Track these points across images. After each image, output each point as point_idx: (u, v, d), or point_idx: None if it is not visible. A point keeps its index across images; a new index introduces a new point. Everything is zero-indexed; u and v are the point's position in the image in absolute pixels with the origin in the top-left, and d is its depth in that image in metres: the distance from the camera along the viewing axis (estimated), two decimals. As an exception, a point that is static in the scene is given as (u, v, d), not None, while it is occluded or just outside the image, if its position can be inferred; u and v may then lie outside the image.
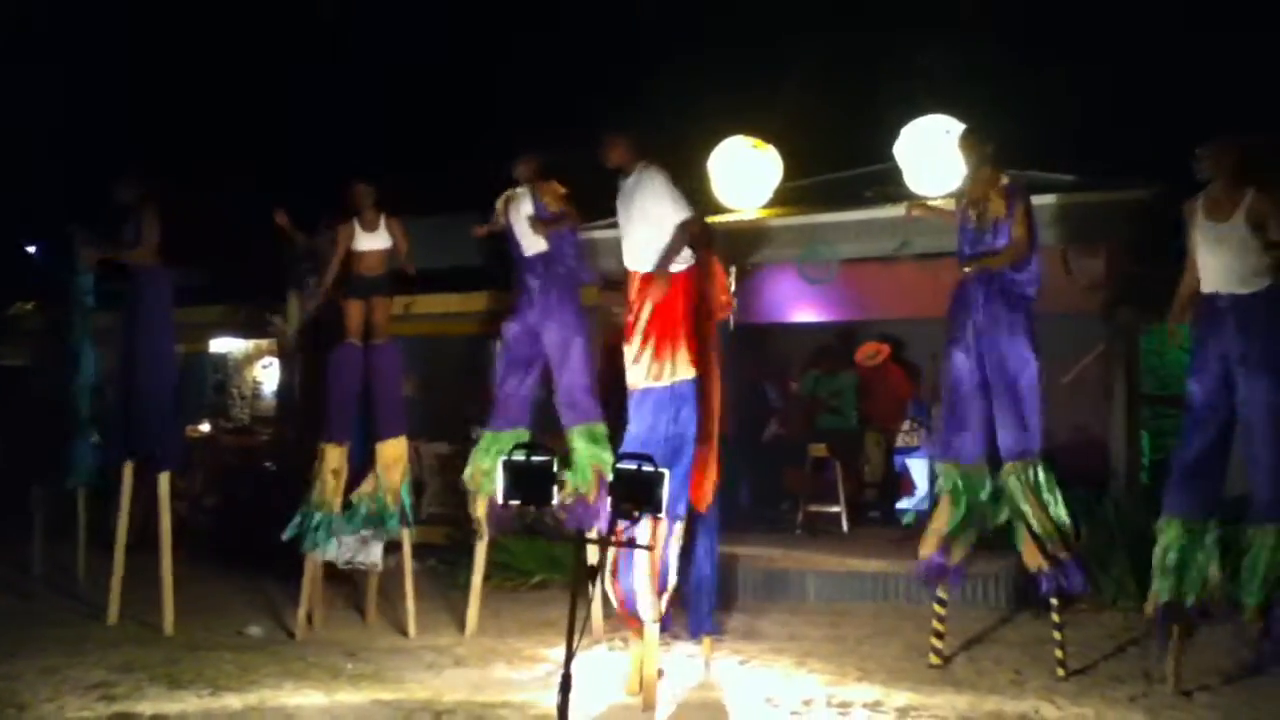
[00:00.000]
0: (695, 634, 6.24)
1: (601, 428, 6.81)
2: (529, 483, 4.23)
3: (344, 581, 7.85)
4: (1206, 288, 5.57)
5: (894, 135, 8.34)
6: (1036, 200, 8.20)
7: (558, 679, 3.82)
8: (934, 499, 6.58)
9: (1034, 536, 5.92)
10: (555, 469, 4.24)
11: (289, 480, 7.96)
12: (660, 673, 5.75)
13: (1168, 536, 5.58)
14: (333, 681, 5.92)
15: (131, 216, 7.32)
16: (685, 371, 5.82)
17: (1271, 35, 10.13)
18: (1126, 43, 11.21)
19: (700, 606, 6.15)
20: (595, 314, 9.16)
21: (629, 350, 5.95)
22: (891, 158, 8.40)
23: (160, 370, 7.28)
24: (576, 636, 3.92)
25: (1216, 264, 5.51)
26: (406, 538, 7.29)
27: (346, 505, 7.17)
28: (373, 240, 7.39)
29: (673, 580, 5.74)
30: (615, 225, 6.27)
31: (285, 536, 7.06)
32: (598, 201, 6.80)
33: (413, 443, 7.76)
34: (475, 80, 13.63)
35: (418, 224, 7.80)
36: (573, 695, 3.79)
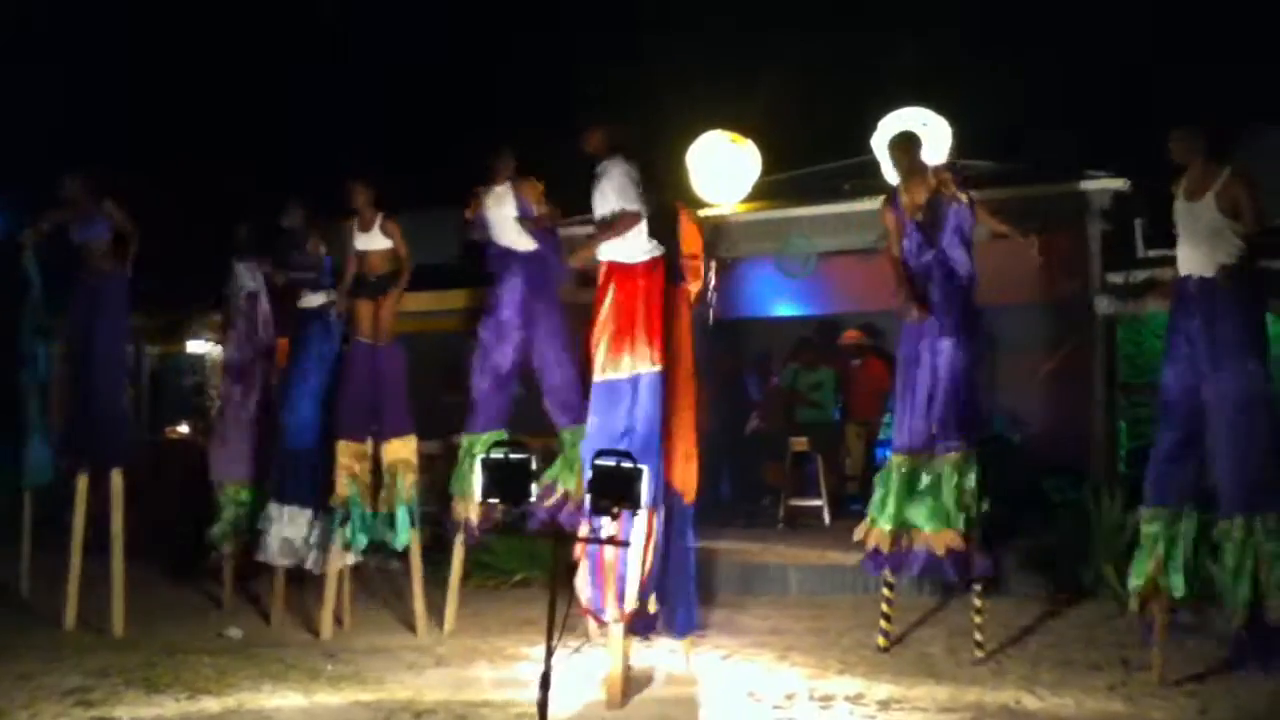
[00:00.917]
0: (680, 633, 6.19)
1: None
2: (507, 480, 4.22)
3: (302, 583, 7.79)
4: (1180, 270, 5.55)
5: (871, 128, 8.35)
6: (1017, 191, 8.29)
7: (538, 677, 3.80)
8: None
9: (949, 524, 6.04)
10: (533, 466, 4.23)
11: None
12: (628, 668, 5.70)
13: (1147, 525, 5.58)
14: (312, 683, 5.88)
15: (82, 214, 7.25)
16: (646, 364, 5.75)
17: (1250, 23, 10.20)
18: (1105, 31, 11.27)
19: (682, 604, 6.13)
20: (569, 310, 9.16)
21: (593, 342, 5.93)
22: (869, 150, 8.42)
23: (113, 372, 7.31)
24: (556, 634, 3.92)
25: (1187, 244, 5.49)
26: (415, 538, 7.24)
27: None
28: (370, 240, 7.36)
29: (637, 575, 5.63)
30: (586, 223, 6.25)
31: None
32: (572, 196, 6.78)
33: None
34: (452, 77, 13.58)
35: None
36: (562, 694, 3.78)
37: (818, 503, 9.70)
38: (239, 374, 7.94)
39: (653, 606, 5.80)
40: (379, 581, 8.41)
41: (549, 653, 3.91)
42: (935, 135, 8.02)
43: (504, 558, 8.34)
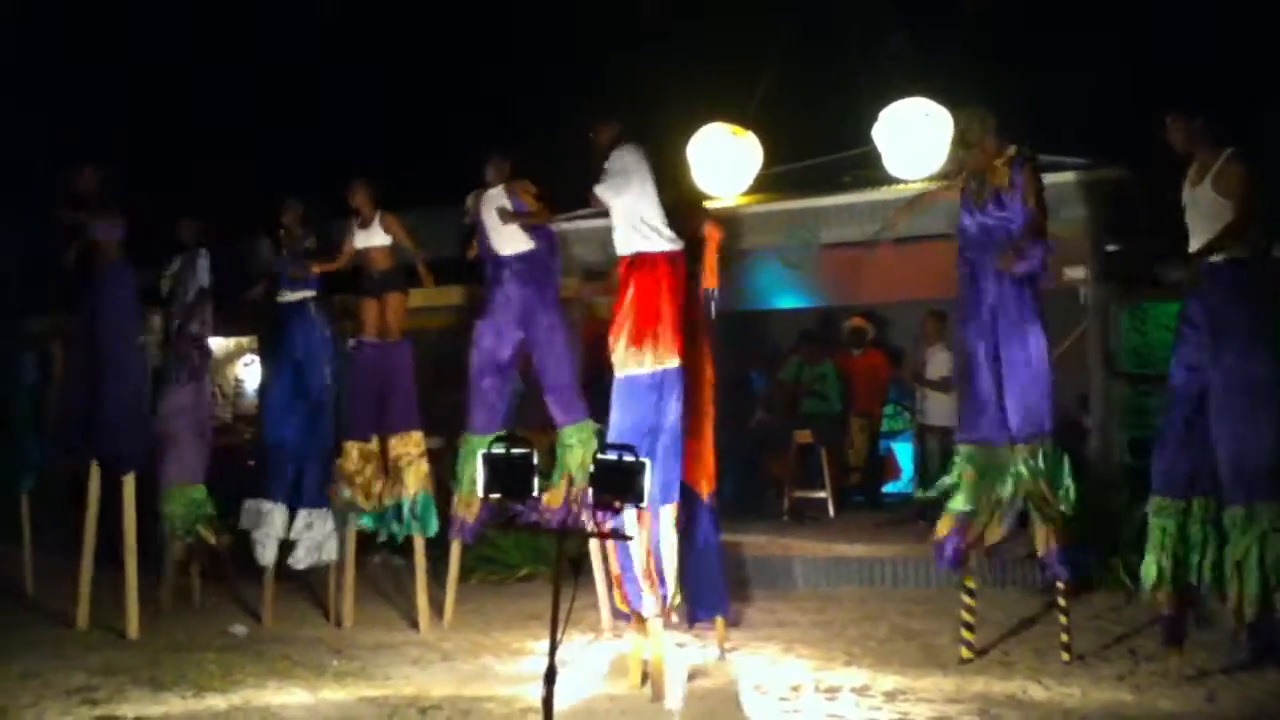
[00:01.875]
0: (703, 619, 6.23)
1: (593, 425, 6.80)
2: (509, 476, 4.21)
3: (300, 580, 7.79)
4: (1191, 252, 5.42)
5: (872, 118, 8.31)
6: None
7: (544, 672, 3.80)
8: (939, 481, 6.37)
9: (1045, 519, 5.79)
10: (535, 461, 4.22)
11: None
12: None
13: (1156, 516, 5.48)
14: (317, 680, 5.87)
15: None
16: (669, 359, 5.75)
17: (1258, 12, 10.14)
18: (1109, 19, 11.22)
19: (709, 591, 6.15)
20: (574, 306, 9.15)
21: (612, 337, 5.91)
22: (870, 142, 8.37)
23: (127, 371, 7.20)
24: (560, 628, 3.91)
25: (1193, 229, 5.39)
26: (419, 534, 7.26)
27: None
28: (370, 237, 7.40)
29: (670, 570, 5.68)
30: (590, 216, 6.25)
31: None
32: (573, 191, 6.77)
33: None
34: (445, 73, 13.54)
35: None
36: (573, 689, 3.76)
37: (822, 495, 9.69)
38: (193, 372, 7.74)
39: (677, 599, 5.85)
40: (383, 577, 8.42)
41: (553, 648, 3.90)
42: (937, 125, 7.97)
43: (508, 552, 8.35)
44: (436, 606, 7.28)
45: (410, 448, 7.26)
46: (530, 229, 7.08)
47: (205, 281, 7.72)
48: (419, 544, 7.26)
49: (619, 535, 5.27)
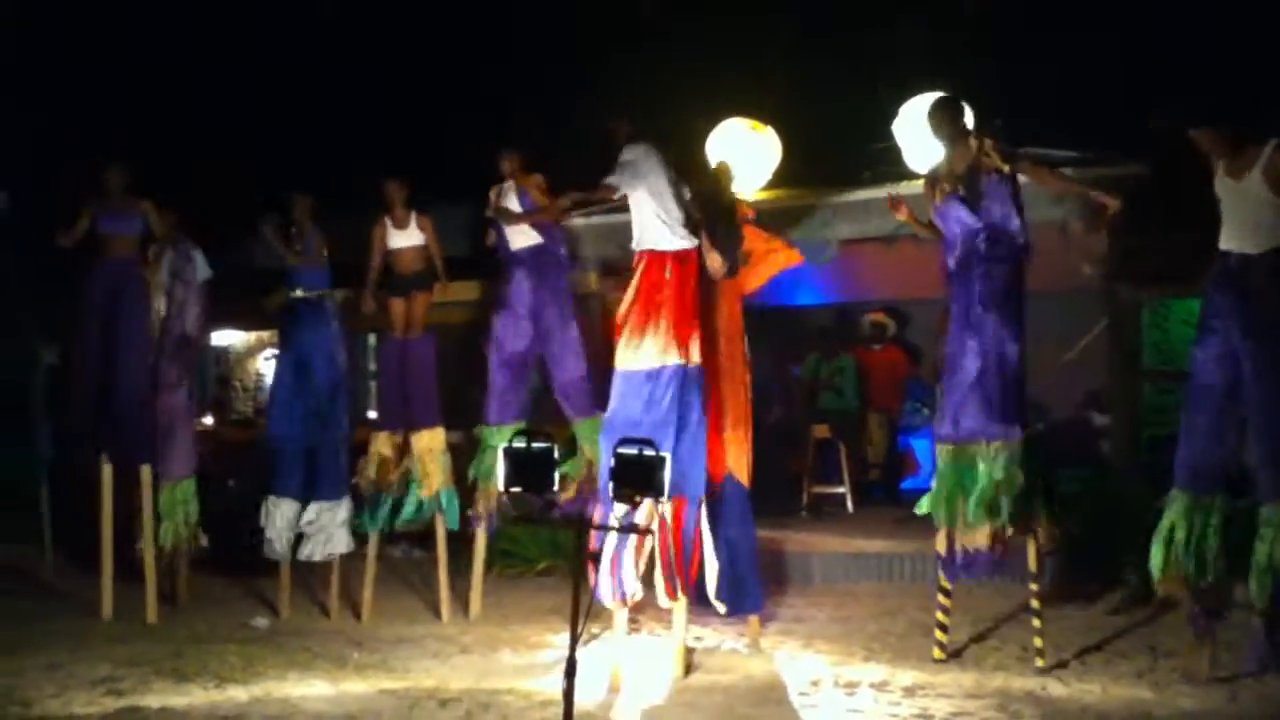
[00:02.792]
0: (741, 613, 6.27)
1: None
2: (530, 469, 4.22)
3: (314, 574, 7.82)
4: (1222, 245, 5.31)
5: (893, 114, 8.28)
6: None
7: (563, 664, 3.81)
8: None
9: (1023, 521, 5.67)
10: (556, 455, 4.23)
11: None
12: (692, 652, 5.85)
13: (1173, 510, 5.38)
14: (338, 672, 5.92)
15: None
16: (672, 355, 5.72)
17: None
18: (1131, 14, 11.14)
19: (743, 586, 6.17)
20: (592, 301, 9.17)
21: (617, 332, 5.95)
22: (891, 137, 8.35)
23: (139, 365, 7.28)
24: (581, 621, 3.91)
25: (1231, 221, 5.25)
26: (440, 525, 7.33)
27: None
28: (405, 237, 7.46)
29: (711, 561, 5.77)
30: (607, 212, 6.29)
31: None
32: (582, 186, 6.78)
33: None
34: (465, 67, 13.54)
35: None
36: (587, 681, 3.78)
37: (840, 490, 9.69)
38: (187, 364, 7.73)
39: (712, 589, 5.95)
40: (404, 570, 8.46)
41: (574, 640, 3.91)
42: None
43: (527, 546, 8.37)
44: (455, 599, 7.31)
45: (433, 443, 7.32)
46: (538, 222, 7.12)
47: (202, 276, 7.72)
48: (441, 535, 7.30)
49: (638, 529, 5.32)
